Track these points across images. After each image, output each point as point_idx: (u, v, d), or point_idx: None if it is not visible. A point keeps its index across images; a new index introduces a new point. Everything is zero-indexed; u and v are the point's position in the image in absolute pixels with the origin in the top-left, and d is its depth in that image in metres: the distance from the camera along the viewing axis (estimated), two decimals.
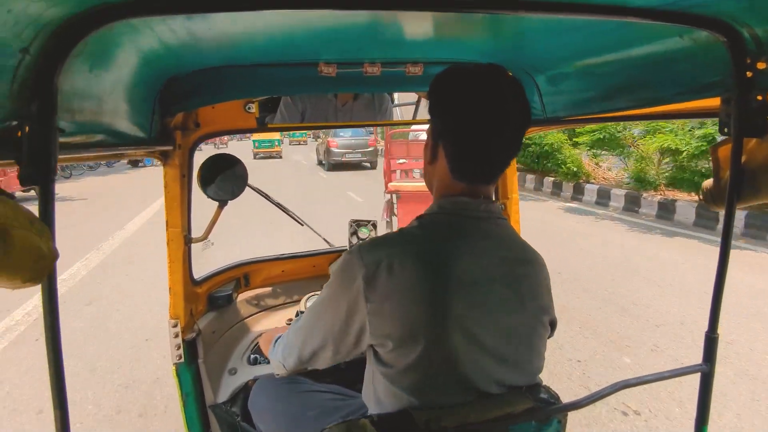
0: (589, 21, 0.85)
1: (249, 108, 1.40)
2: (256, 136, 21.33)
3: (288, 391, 1.24)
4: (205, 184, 1.43)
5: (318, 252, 1.99)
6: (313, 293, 1.73)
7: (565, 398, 0.81)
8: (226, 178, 1.47)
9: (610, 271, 4.80)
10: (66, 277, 4.89)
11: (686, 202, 7.20)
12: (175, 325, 1.40)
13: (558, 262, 4.90)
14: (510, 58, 1.23)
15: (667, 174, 8.07)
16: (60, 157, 0.58)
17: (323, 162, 17.13)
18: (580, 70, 1.14)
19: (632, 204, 8.06)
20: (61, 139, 0.57)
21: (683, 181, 7.54)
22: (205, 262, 1.85)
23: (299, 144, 33.96)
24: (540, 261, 0.88)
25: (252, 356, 1.57)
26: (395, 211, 5.66)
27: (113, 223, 7.71)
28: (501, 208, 1.67)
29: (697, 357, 0.93)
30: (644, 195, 7.97)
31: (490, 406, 0.77)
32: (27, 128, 0.53)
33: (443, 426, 0.73)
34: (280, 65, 1.21)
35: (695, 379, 0.89)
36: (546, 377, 0.87)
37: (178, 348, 1.40)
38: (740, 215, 6.14)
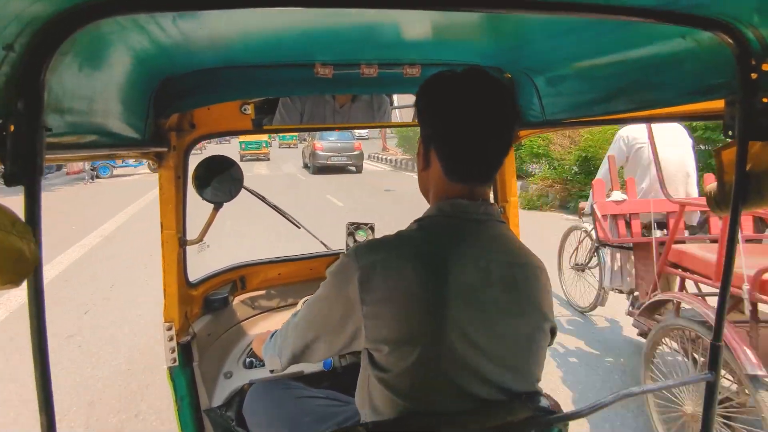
0: (590, 22, 0.84)
1: (245, 110, 1.39)
2: (243, 138, 20.63)
3: (283, 396, 1.22)
4: (200, 186, 1.42)
5: (315, 255, 1.97)
6: (309, 297, 1.70)
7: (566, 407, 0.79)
8: (221, 180, 1.46)
9: None
10: None
11: None
12: (170, 328, 1.38)
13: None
14: (509, 60, 1.21)
15: None
16: (49, 156, 0.57)
17: (308, 165, 16.48)
18: (579, 71, 1.12)
19: None
20: (52, 139, 0.56)
21: None
22: (205, 262, 1.81)
23: (289, 147, 31.68)
24: (540, 266, 0.87)
25: (248, 359, 1.56)
26: None
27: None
28: (500, 211, 1.65)
29: None
30: None
31: (489, 414, 0.75)
32: (12, 126, 0.53)
33: None
34: (275, 66, 1.20)
35: None
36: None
37: (173, 351, 1.38)
38: None
